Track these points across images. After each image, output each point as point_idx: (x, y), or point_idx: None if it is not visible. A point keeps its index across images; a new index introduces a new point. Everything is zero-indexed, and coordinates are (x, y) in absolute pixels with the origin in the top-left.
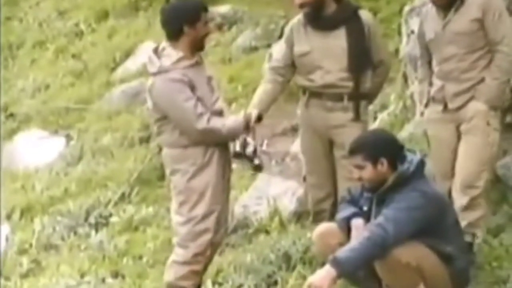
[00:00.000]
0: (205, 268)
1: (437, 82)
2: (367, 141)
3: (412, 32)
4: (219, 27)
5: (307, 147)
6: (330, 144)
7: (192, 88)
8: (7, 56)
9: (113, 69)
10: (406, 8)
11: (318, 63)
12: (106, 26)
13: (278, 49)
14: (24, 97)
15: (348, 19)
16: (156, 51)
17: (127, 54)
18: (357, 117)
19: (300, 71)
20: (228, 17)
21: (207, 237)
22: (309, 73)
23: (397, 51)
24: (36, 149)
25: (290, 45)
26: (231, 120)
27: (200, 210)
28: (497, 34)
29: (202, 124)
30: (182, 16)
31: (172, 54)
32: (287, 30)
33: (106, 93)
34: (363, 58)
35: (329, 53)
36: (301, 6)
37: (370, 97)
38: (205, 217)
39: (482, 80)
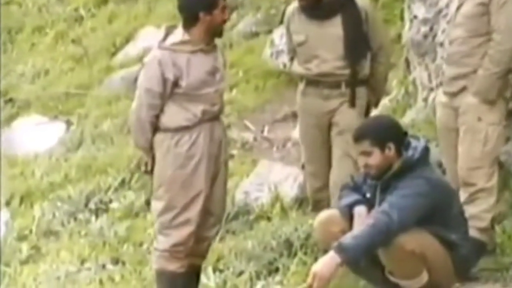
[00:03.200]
0: (202, 256)
1: (444, 65)
2: (374, 126)
3: (415, 17)
4: None
5: (305, 135)
6: (328, 131)
7: (179, 73)
8: (6, 41)
9: (113, 54)
10: None
11: (314, 52)
12: (106, 11)
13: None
14: (23, 83)
15: (343, 6)
16: (169, 29)
17: (127, 39)
18: (352, 104)
19: (298, 59)
20: (229, 2)
21: (189, 228)
22: (306, 61)
23: (399, 36)
24: (36, 135)
25: (290, 34)
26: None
27: (180, 200)
28: (496, 22)
29: (137, 110)
30: (198, 2)
31: (178, 35)
32: (285, 18)
33: (106, 79)
34: (359, 45)
35: (325, 42)
36: None
37: (377, 85)
38: (185, 207)
39: (478, 69)
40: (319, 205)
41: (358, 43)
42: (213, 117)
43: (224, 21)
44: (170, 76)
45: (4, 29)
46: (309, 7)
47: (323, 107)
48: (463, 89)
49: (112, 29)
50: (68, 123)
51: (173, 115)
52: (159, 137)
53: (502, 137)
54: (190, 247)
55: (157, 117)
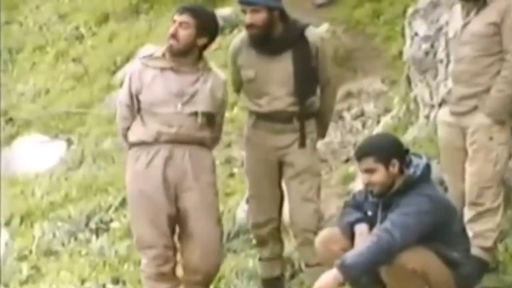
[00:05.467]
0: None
1: (449, 84)
2: (378, 143)
3: (416, 34)
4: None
5: (252, 168)
6: (279, 167)
7: (140, 87)
8: (7, 60)
9: (114, 73)
10: (410, 10)
11: (264, 88)
12: (107, 30)
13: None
14: (24, 102)
15: (294, 42)
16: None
17: (128, 57)
18: (302, 143)
19: (247, 94)
20: (230, 20)
21: (153, 251)
22: (256, 97)
23: (400, 53)
24: (36, 154)
25: (236, 68)
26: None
27: (141, 221)
28: (509, 42)
29: (117, 112)
30: None
31: (158, 50)
32: (230, 52)
33: (107, 97)
34: (309, 81)
35: (275, 78)
36: (250, 27)
37: (324, 117)
38: (146, 229)
39: (489, 89)
40: (260, 240)
41: (308, 79)
42: (173, 140)
43: (169, 35)
44: (133, 89)
45: (4, 48)
46: (259, 41)
47: (274, 142)
48: (473, 108)
49: (112, 48)
50: (69, 142)
51: (135, 129)
52: (128, 153)
53: (509, 156)
54: (170, 268)
55: (128, 130)
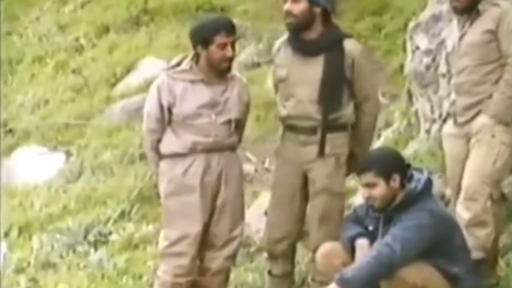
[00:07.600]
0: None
1: (452, 96)
2: (379, 157)
3: (417, 48)
4: None
5: (279, 181)
6: (305, 180)
7: (173, 100)
8: (7, 71)
9: (114, 85)
10: (411, 24)
11: (292, 90)
12: (107, 41)
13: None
14: (23, 113)
15: (330, 46)
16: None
17: (128, 69)
18: (321, 151)
19: (279, 97)
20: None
21: (182, 260)
22: (284, 99)
23: (401, 67)
24: (35, 166)
25: (275, 69)
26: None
27: (174, 230)
28: (509, 46)
29: (145, 124)
30: (196, 36)
31: (184, 63)
32: (273, 52)
33: (107, 109)
34: (336, 90)
35: (304, 81)
36: (287, 13)
37: (362, 138)
38: (179, 238)
39: (492, 95)
40: (273, 255)
41: (334, 87)
42: (209, 149)
43: (226, 58)
44: (165, 102)
45: (4, 59)
46: (293, 33)
47: (300, 155)
48: (477, 114)
49: (112, 59)
50: (68, 154)
51: (168, 142)
52: (160, 164)
53: (509, 162)
54: (190, 279)
55: (159, 142)
